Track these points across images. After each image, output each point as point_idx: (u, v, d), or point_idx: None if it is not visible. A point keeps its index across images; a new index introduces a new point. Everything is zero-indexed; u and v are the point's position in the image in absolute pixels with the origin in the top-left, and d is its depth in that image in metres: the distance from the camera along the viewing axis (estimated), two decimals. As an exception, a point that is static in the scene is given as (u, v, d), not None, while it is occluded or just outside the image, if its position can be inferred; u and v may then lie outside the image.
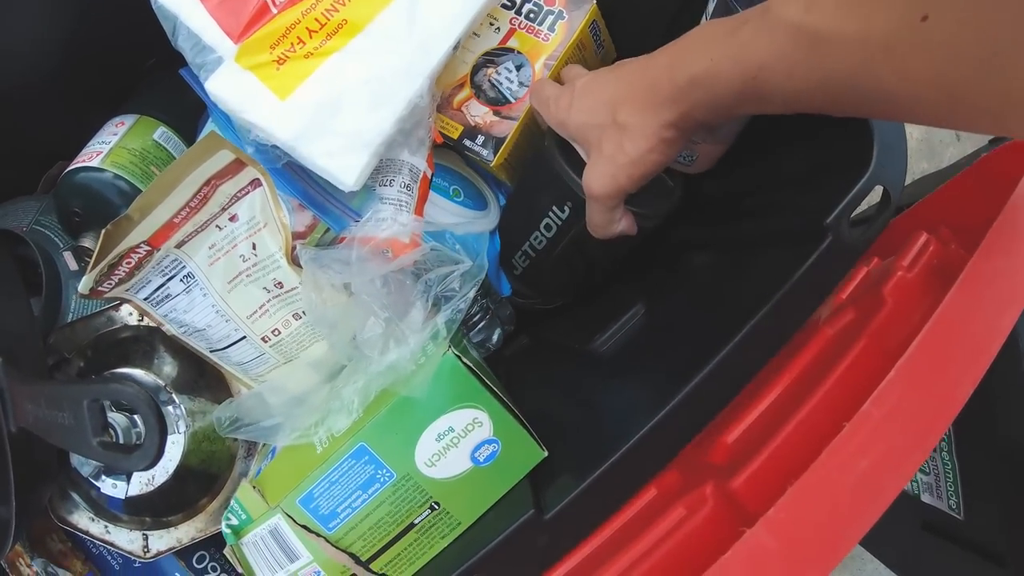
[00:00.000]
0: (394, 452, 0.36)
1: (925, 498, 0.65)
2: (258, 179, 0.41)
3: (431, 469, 0.36)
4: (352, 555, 0.38)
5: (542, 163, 0.45)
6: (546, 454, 0.37)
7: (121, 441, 0.38)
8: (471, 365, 0.35)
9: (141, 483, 0.48)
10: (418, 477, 0.36)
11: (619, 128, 0.36)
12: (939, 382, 0.28)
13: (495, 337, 0.54)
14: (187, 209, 0.42)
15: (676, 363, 0.39)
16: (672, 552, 0.32)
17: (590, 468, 0.35)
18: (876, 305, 0.36)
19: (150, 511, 0.50)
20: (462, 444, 0.36)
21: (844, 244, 0.40)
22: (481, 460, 0.36)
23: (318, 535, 0.37)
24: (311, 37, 0.39)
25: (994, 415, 0.49)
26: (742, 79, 0.29)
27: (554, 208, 0.47)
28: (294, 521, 0.37)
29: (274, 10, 0.40)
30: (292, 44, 0.39)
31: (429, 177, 0.46)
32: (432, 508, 0.37)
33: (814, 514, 0.24)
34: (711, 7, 0.43)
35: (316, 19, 0.40)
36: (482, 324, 0.53)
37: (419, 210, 0.45)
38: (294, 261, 0.43)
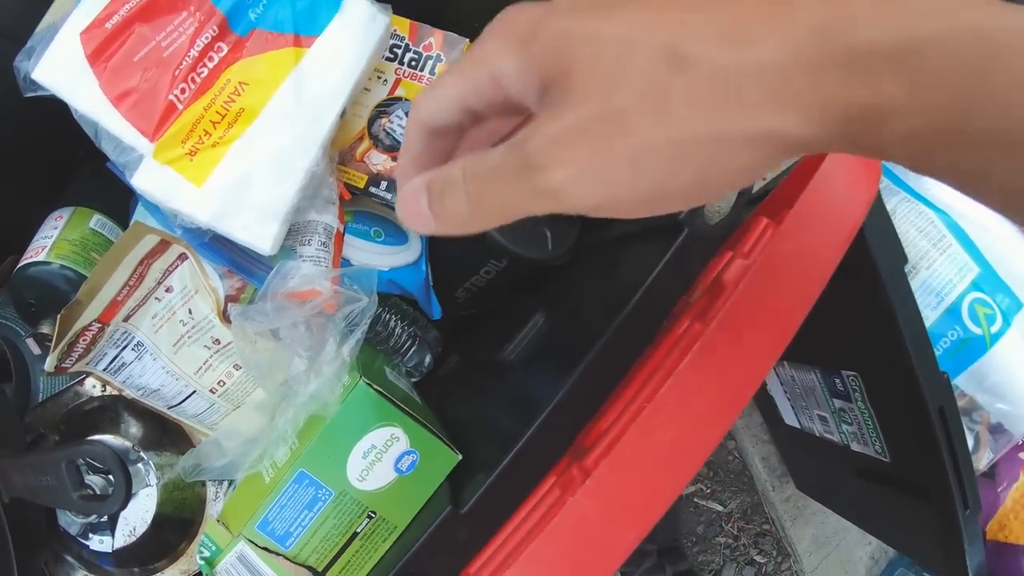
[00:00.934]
0: (329, 473, 0.46)
1: (854, 447, 0.75)
2: (184, 253, 0.52)
3: (363, 483, 0.46)
4: (310, 568, 0.48)
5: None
6: (460, 457, 0.48)
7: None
8: (381, 390, 0.46)
9: (124, 535, 0.58)
10: (353, 492, 0.46)
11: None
12: (735, 357, 0.37)
13: (427, 360, 0.64)
14: (127, 288, 0.52)
15: (566, 361, 0.50)
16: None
17: (496, 464, 0.45)
18: (717, 292, 0.46)
19: (137, 561, 0.60)
20: (385, 458, 0.46)
21: (699, 235, 0.50)
22: (404, 469, 0.46)
23: (278, 554, 0.48)
24: (215, 128, 0.50)
25: (900, 364, 0.58)
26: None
27: (490, 263, 0.59)
28: (256, 545, 0.47)
29: (180, 107, 0.50)
30: (200, 136, 0.50)
31: (342, 232, 0.56)
32: (370, 517, 0.47)
33: (628, 479, 0.33)
34: None
35: (217, 111, 0.50)
36: (412, 351, 0.63)
37: (336, 261, 0.56)
38: (226, 319, 0.53)
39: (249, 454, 0.49)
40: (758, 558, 1.03)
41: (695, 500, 0.99)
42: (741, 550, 1.02)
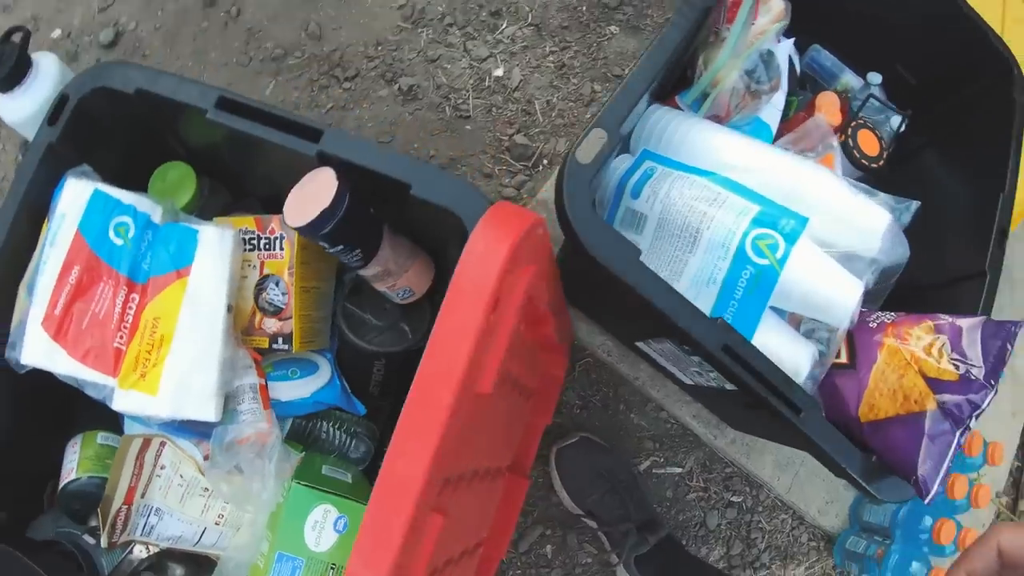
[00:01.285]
0: (296, 547, 0.72)
1: (728, 387, 0.97)
2: (164, 441, 0.79)
3: (319, 547, 0.72)
4: (310, 617, 0.74)
5: (353, 347, 0.82)
6: (376, 507, 0.73)
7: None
8: (310, 484, 0.72)
9: (195, 646, 0.84)
10: (315, 555, 0.72)
11: None
12: (433, 391, 0.60)
13: (371, 449, 0.90)
14: (135, 477, 0.79)
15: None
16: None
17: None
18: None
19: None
20: (327, 526, 0.72)
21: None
22: (341, 529, 0.72)
23: (286, 614, 0.73)
24: (151, 354, 0.77)
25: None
26: None
27: (376, 363, 0.84)
28: (270, 613, 0.73)
29: (124, 349, 0.78)
30: (143, 363, 0.77)
31: (264, 384, 0.83)
32: (332, 568, 0.72)
33: (389, 491, 0.57)
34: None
35: (148, 342, 0.77)
36: (353, 444, 0.89)
37: (266, 405, 0.82)
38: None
39: (249, 555, 0.75)
40: (734, 499, 1.24)
41: (654, 471, 1.22)
42: (715, 497, 1.24)
